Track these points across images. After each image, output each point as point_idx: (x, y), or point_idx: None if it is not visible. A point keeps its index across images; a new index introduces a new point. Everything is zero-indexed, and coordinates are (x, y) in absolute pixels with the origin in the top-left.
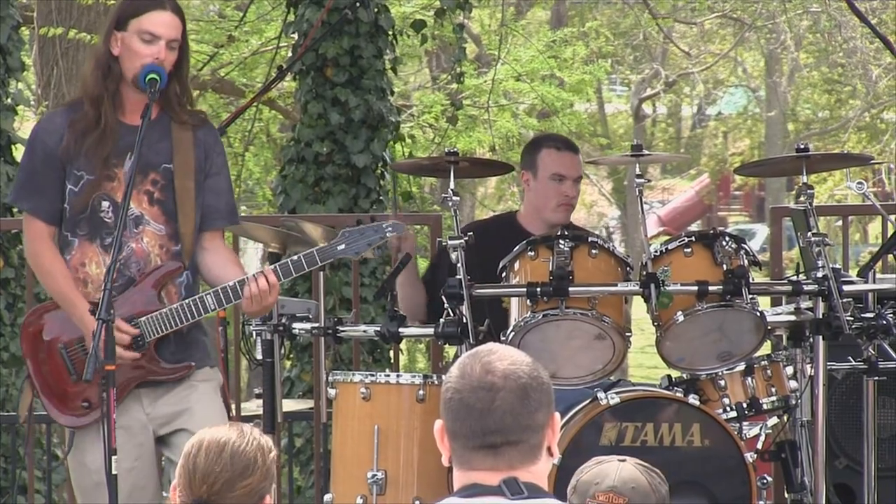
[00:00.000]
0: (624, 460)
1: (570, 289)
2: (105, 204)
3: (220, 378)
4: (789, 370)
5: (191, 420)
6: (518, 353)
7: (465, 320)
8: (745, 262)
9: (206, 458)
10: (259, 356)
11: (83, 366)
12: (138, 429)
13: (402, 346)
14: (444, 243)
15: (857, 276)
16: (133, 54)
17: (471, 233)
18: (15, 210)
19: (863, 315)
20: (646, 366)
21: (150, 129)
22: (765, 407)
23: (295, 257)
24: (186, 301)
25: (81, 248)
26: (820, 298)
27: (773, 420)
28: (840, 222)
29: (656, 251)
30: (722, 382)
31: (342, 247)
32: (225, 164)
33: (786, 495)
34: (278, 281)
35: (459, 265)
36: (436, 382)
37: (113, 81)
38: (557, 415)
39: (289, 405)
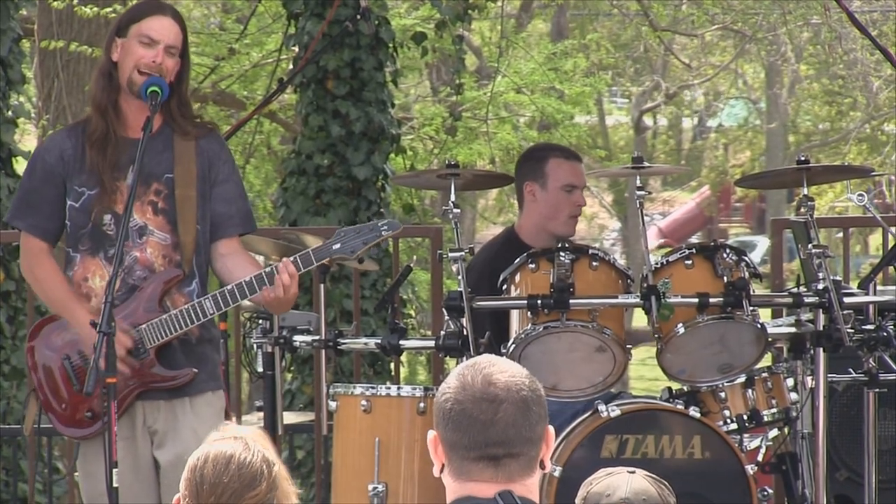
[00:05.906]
0: (633, 472)
1: (571, 301)
2: (107, 217)
3: (223, 403)
4: (790, 382)
5: (181, 445)
6: (516, 365)
7: (465, 333)
8: (746, 273)
9: (213, 470)
10: (260, 369)
11: (85, 376)
12: (139, 442)
13: (403, 358)
14: (444, 256)
15: (858, 287)
16: (130, 56)
17: (472, 245)
18: None
19: (863, 327)
20: (646, 378)
21: (153, 140)
22: (765, 419)
23: (291, 258)
24: (186, 306)
25: (84, 263)
26: (821, 310)
27: (774, 432)
28: (841, 234)
29: (657, 263)
30: (722, 394)
31: (337, 246)
32: (233, 171)
33: None
34: (297, 272)
35: (460, 277)
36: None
37: (114, 91)
38: (551, 428)
39: (289, 418)
